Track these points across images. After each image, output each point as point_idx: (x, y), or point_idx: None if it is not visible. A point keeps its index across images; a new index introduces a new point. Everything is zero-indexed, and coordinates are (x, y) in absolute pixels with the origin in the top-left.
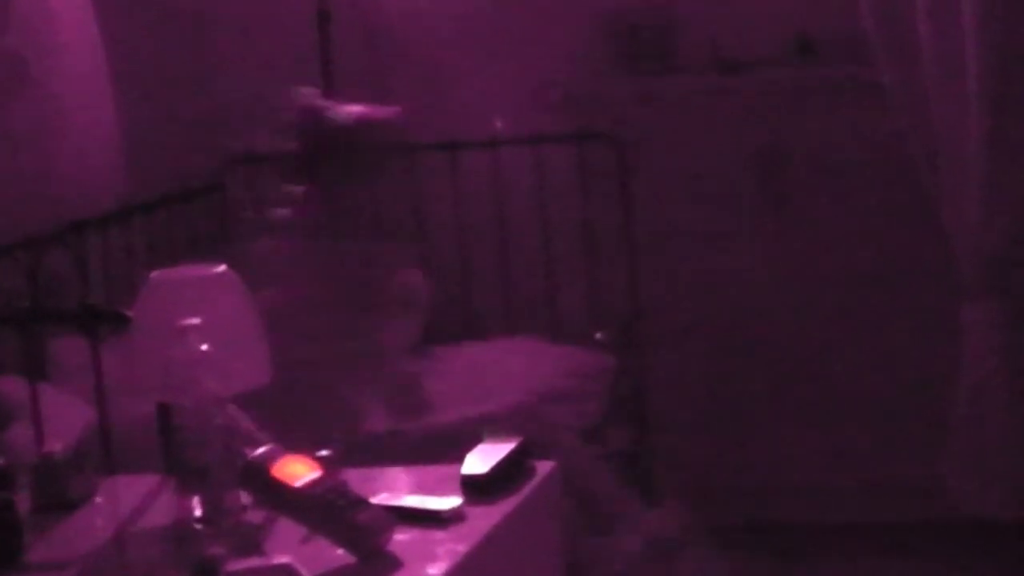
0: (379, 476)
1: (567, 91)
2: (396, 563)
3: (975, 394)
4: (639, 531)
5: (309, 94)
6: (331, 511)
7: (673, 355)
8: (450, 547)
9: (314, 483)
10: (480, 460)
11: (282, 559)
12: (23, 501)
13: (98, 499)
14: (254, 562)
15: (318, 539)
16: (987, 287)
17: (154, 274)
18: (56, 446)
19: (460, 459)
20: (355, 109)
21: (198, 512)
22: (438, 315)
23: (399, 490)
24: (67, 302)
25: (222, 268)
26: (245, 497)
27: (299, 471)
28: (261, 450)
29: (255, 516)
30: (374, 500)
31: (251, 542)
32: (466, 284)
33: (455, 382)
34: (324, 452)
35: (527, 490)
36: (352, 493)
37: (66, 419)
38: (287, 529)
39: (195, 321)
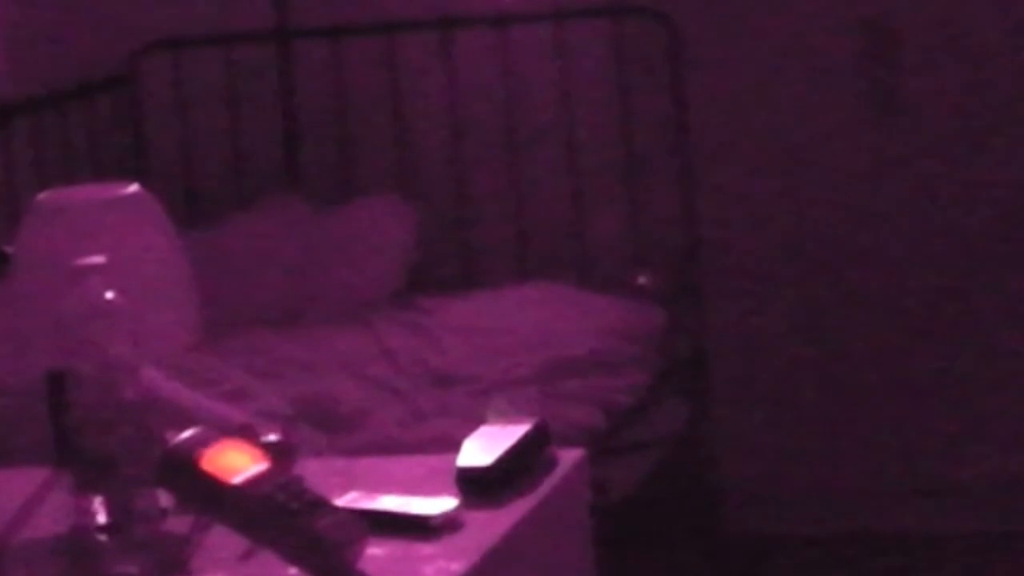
0: (346, 469)
1: None
2: None
3: None
4: None
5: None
6: (281, 517)
7: (743, 307)
8: (441, 565)
9: (258, 479)
10: (482, 448)
11: None
12: None
13: None
14: None
15: (263, 554)
16: None
17: (42, 195)
18: None
19: (455, 447)
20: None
21: (101, 518)
22: (427, 255)
23: (374, 488)
24: None
25: (135, 187)
26: (165, 498)
27: (238, 462)
28: (186, 434)
29: (178, 524)
30: (340, 502)
31: (173, 559)
32: (465, 212)
33: (450, 345)
34: (272, 436)
35: (545, 488)
36: (310, 492)
37: None
38: (222, 541)
39: (98, 260)
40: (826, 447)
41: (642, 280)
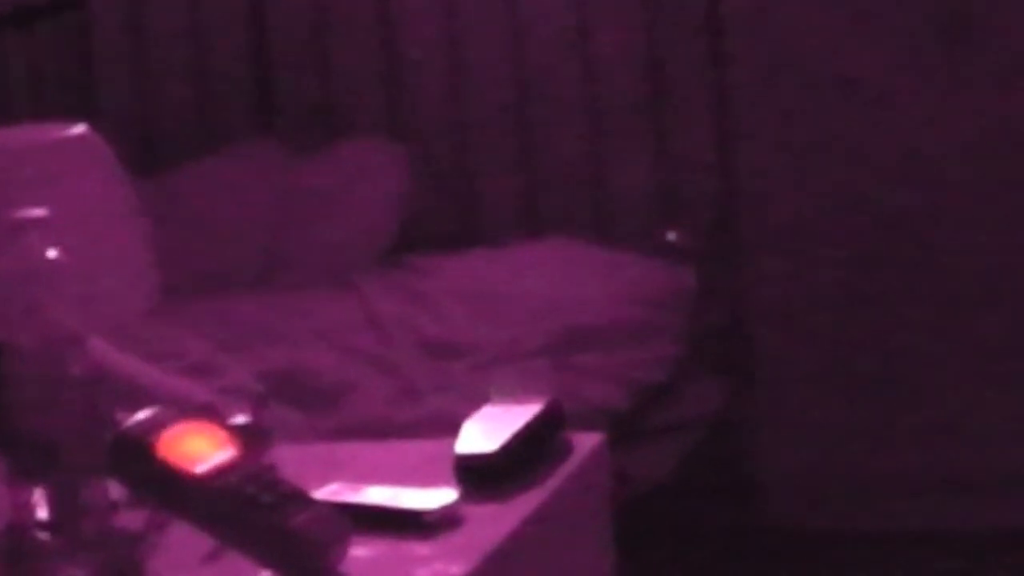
0: (327, 456)
1: None
2: None
3: None
4: None
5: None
6: (251, 511)
7: (788, 268)
8: (437, 568)
9: (225, 467)
10: (485, 432)
11: None
12: None
13: None
14: None
15: (230, 555)
16: None
17: None
18: None
19: (454, 430)
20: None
21: (42, 513)
22: (422, 207)
23: (359, 478)
24: None
25: (81, 129)
26: (116, 490)
27: (201, 448)
28: (141, 416)
29: (132, 520)
30: (319, 494)
31: (125, 560)
32: (466, 157)
33: (448, 311)
34: (240, 418)
35: (558, 479)
36: (285, 483)
37: None
38: (182, 539)
39: (38, 213)
40: (883, 431)
41: (671, 236)
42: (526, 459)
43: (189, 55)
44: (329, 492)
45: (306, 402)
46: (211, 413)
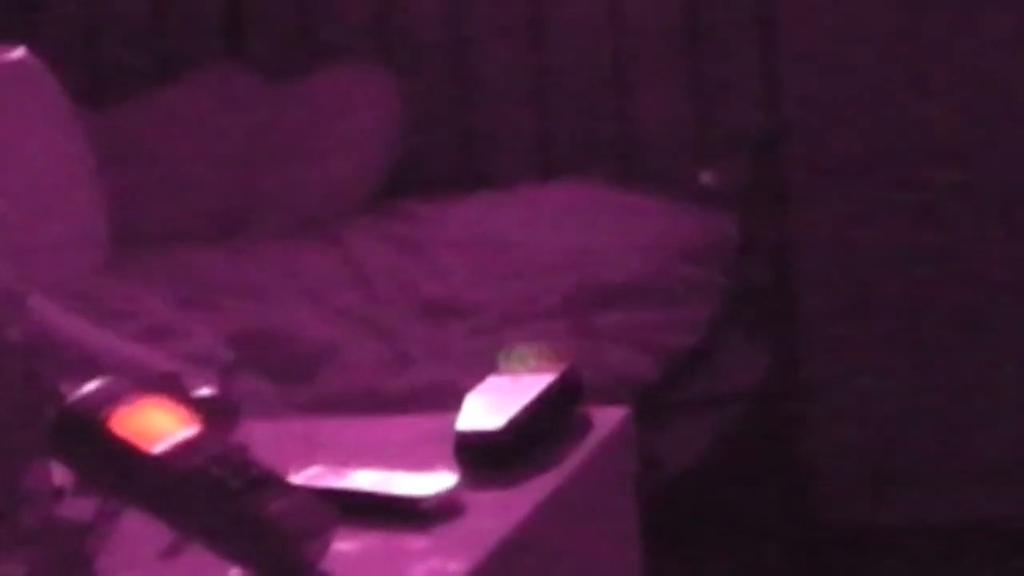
0: (307, 434)
1: None
2: None
3: None
4: None
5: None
6: (218, 498)
7: (842, 215)
8: (435, 564)
9: (187, 447)
10: (490, 406)
11: None
12: None
13: None
14: None
15: (193, 549)
16: None
17: None
18: None
19: (455, 403)
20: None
21: None
22: (418, 144)
23: (344, 459)
24: None
25: (21, 53)
26: (61, 474)
27: (160, 425)
28: (90, 387)
29: (79, 508)
30: (297, 478)
31: (71, 555)
32: (469, 87)
33: (447, 265)
34: (206, 390)
35: (574, 460)
36: (257, 466)
37: None
38: (138, 530)
39: None
40: (956, 406)
41: (706, 178)
42: (537, 437)
43: None
44: (309, 476)
45: (282, 370)
46: (171, 384)
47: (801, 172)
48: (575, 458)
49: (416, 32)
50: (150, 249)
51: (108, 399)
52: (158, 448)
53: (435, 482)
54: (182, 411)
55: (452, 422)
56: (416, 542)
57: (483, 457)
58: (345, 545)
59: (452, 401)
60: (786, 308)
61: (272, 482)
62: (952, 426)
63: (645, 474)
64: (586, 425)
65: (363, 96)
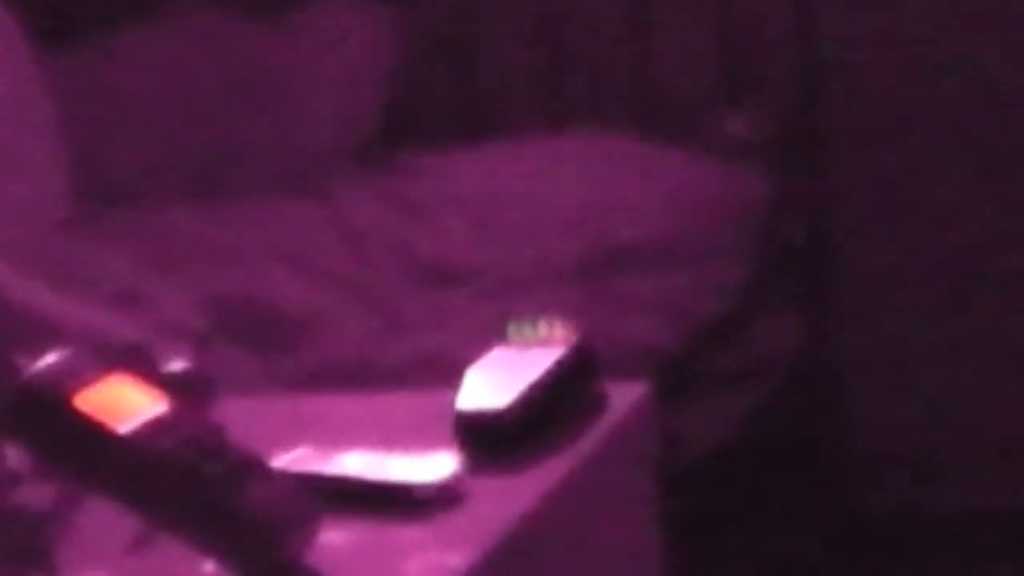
0: (291, 412)
1: None
2: None
3: None
4: None
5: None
6: (191, 485)
7: (887, 166)
8: (433, 558)
9: (157, 427)
10: (494, 382)
11: None
12: None
13: None
14: None
15: (163, 540)
16: None
17: None
18: None
19: (455, 378)
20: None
21: None
22: (414, 89)
23: (332, 441)
24: None
25: None
26: (17, 457)
27: (128, 403)
28: (49, 360)
29: (38, 495)
30: (280, 462)
31: (29, 546)
32: (471, 25)
33: (446, 224)
34: (178, 363)
35: (589, 442)
36: (235, 448)
37: None
38: (102, 520)
39: None
40: (1012, 381)
41: (734, 126)
42: (547, 417)
43: None
44: (293, 460)
45: (262, 341)
46: (139, 356)
47: (841, 119)
48: (589, 440)
49: None
50: (116, 206)
51: (69, 374)
52: (124, 428)
53: (433, 467)
54: (151, 387)
55: (452, 399)
56: (412, 534)
57: (487, 439)
58: (332, 537)
59: (452, 376)
60: (824, 272)
61: (251, 467)
62: (1008, 402)
63: (667, 457)
64: (602, 402)
65: (354, 33)
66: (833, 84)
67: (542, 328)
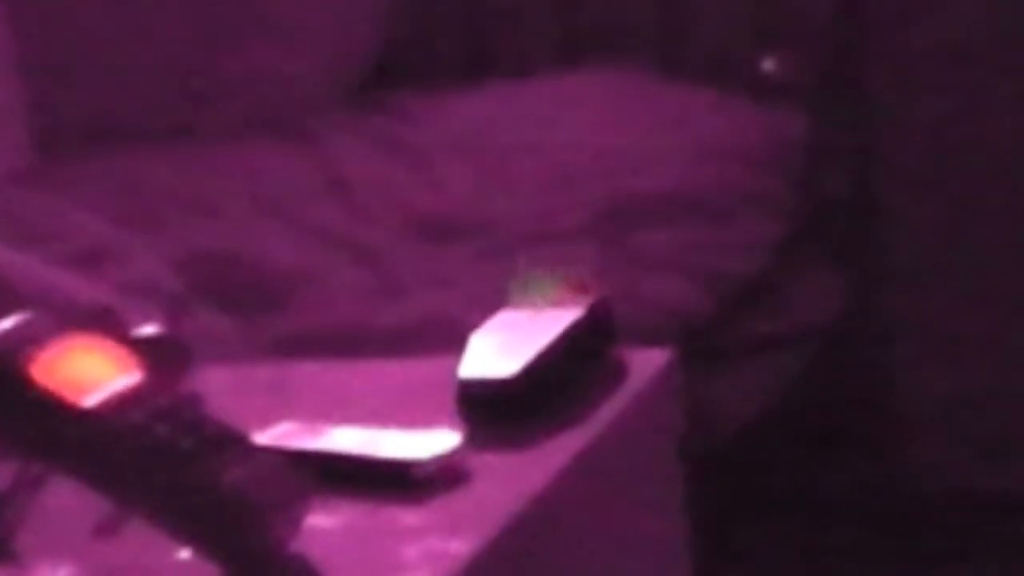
0: (275, 381)
1: None
2: None
3: None
4: None
5: None
6: (165, 463)
7: (940, 112)
8: (432, 544)
9: (127, 399)
10: (501, 348)
11: None
12: None
13: None
14: None
15: (134, 526)
16: None
17: None
18: None
19: (457, 344)
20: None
21: None
22: (412, 23)
23: (321, 414)
24: None
25: None
26: None
27: (93, 372)
28: (7, 325)
29: None
30: (263, 438)
31: None
32: None
33: (447, 173)
34: (149, 328)
35: (606, 415)
36: (214, 422)
37: None
38: (67, 504)
39: None
40: None
41: (769, 67)
42: (559, 387)
43: None
44: (277, 435)
45: (243, 303)
46: (107, 320)
47: (886, 59)
48: (606, 412)
49: None
50: (80, 155)
51: (27, 340)
52: (90, 400)
53: (433, 443)
54: (120, 354)
55: (454, 367)
56: (410, 517)
57: (492, 411)
58: (322, 520)
59: (454, 341)
60: (868, 226)
61: (231, 443)
62: None
63: (694, 432)
64: (620, 371)
65: None
66: (878, 20)
67: (550, 288)
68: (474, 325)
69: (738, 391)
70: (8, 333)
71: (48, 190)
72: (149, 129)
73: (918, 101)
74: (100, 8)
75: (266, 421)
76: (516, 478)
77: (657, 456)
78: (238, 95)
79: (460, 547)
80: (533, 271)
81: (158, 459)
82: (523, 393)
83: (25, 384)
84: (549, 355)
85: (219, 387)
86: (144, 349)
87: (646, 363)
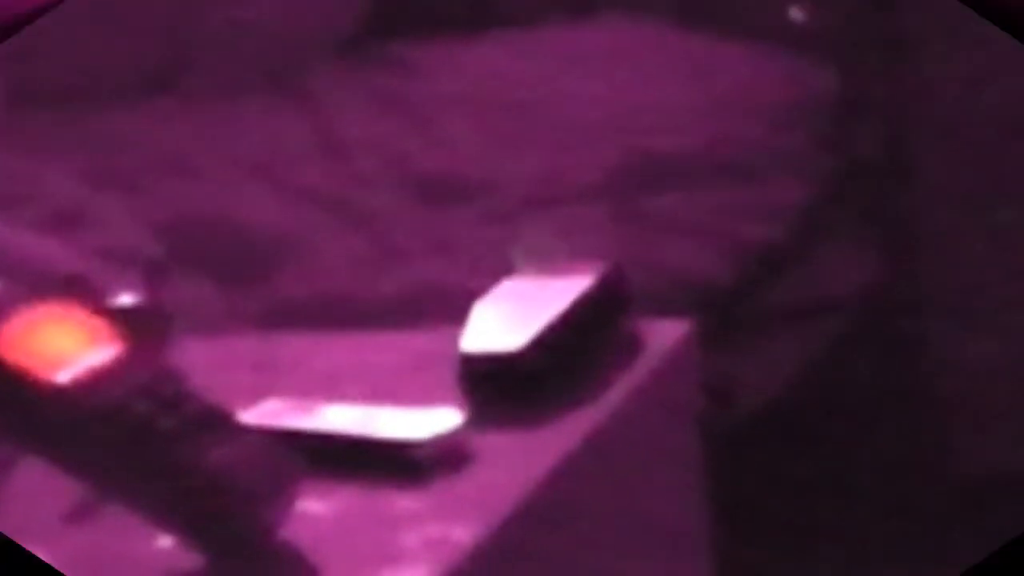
0: (264, 356)
1: None
2: None
3: None
4: None
5: None
6: (143, 443)
7: (981, 63)
8: (432, 531)
9: (103, 375)
10: (506, 319)
11: None
12: None
13: None
14: None
15: (109, 512)
16: None
17: None
18: None
19: (459, 314)
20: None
21: None
22: None
23: (314, 390)
24: None
25: None
26: None
27: (67, 346)
28: None
29: None
30: (249, 416)
31: None
32: None
33: (449, 131)
34: (127, 297)
35: (619, 391)
36: (196, 399)
37: None
38: (38, 488)
39: None
40: None
41: (796, 15)
42: (569, 361)
43: None
44: (265, 413)
45: (228, 270)
46: (80, 289)
47: (923, 5)
48: (620, 388)
49: None
50: (53, 111)
51: None
52: (62, 377)
53: (433, 422)
54: (95, 325)
55: (456, 340)
56: (408, 502)
57: (497, 387)
58: (314, 505)
59: (456, 312)
60: (901, 190)
61: (215, 421)
62: None
63: (714, 410)
64: (634, 344)
65: None
66: None
67: (558, 254)
68: (478, 294)
69: (760, 366)
70: None
71: (18, 148)
72: (129, 84)
73: (956, 53)
74: None
75: (253, 398)
76: (523, 460)
77: (674, 436)
78: (224, 47)
79: (462, 534)
80: (540, 237)
81: (136, 439)
82: (530, 368)
83: None
84: (558, 327)
85: (203, 361)
86: (121, 320)
87: (662, 336)
